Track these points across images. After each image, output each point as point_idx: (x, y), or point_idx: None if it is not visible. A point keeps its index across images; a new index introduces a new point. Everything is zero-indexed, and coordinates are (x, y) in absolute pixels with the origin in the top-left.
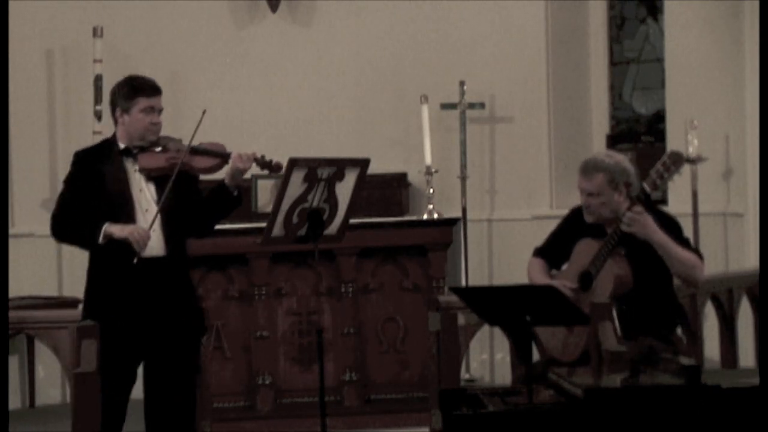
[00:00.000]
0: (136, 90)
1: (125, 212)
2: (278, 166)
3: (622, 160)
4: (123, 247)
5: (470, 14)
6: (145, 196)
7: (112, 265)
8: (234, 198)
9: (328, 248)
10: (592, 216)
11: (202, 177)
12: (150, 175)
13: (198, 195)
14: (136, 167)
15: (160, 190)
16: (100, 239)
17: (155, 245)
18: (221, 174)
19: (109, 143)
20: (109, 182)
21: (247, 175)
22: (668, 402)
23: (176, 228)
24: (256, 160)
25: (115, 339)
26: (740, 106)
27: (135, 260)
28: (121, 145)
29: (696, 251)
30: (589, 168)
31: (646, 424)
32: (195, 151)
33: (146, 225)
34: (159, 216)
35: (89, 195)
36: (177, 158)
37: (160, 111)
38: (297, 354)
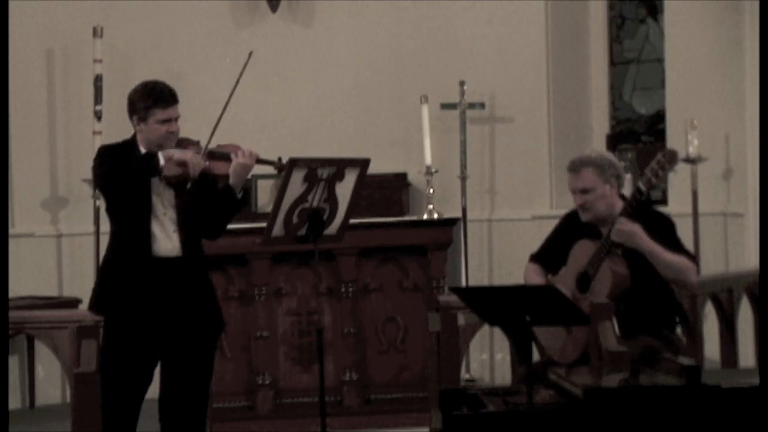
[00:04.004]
0: (152, 101)
1: (142, 213)
2: (281, 165)
3: (608, 154)
4: (139, 242)
5: (470, 14)
6: (162, 201)
7: (128, 261)
8: (238, 201)
9: (328, 248)
10: (588, 213)
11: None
12: (169, 181)
13: (214, 197)
14: None
15: (178, 193)
16: (162, 162)
17: (172, 245)
18: None
19: (130, 145)
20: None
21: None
22: (668, 402)
23: (193, 229)
24: (258, 160)
25: (132, 339)
26: (740, 106)
27: (188, 186)
28: (142, 150)
29: (688, 253)
30: (576, 164)
31: (646, 424)
32: (213, 155)
33: (160, 230)
34: (176, 217)
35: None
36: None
37: (177, 119)
38: (297, 354)
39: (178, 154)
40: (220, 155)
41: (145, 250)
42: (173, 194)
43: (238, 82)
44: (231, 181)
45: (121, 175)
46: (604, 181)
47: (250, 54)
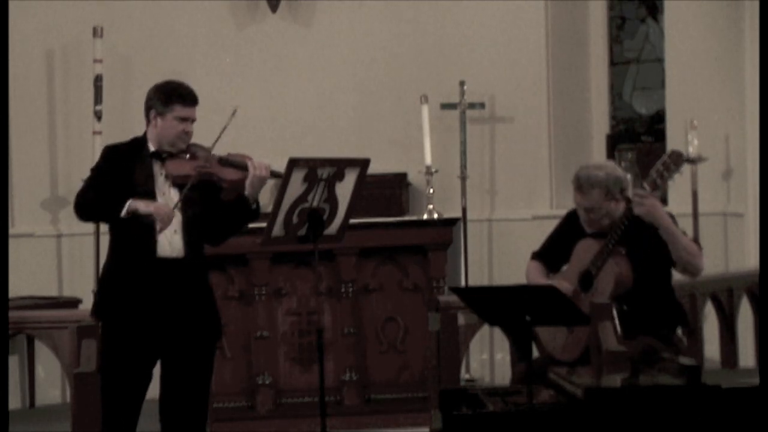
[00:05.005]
0: (174, 97)
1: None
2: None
3: (614, 168)
4: (142, 243)
5: (470, 14)
6: (167, 201)
7: (131, 263)
8: (252, 211)
9: (328, 248)
10: (592, 227)
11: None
12: (175, 182)
13: (219, 204)
14: (163, 171)
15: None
16: (123, 213)
17: (175, 247)
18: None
19: (139, 143)
20: (135, 181)
21: None
22: (668, 402)
23: (196, 232)
24: (271, 172)
25: (132, 338)
26: (740, 106)
27: (158, 230)
28: (152, 148)
29: (695, 241)
30: (583, 185)
31: (646, 424)
32: (223, 162)
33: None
34: (181, 218)
35: (114, 189)
36: (203, 167)
37: (193, 121)
38: (297, 354)
39: (143, 208)
40: (232, 163)
41: (149, 250)
42: (178, 195)
43: (222, 132)
44: (246, 192)
45: (90, 210)
46: (609, 200)
47: (235, 110)
